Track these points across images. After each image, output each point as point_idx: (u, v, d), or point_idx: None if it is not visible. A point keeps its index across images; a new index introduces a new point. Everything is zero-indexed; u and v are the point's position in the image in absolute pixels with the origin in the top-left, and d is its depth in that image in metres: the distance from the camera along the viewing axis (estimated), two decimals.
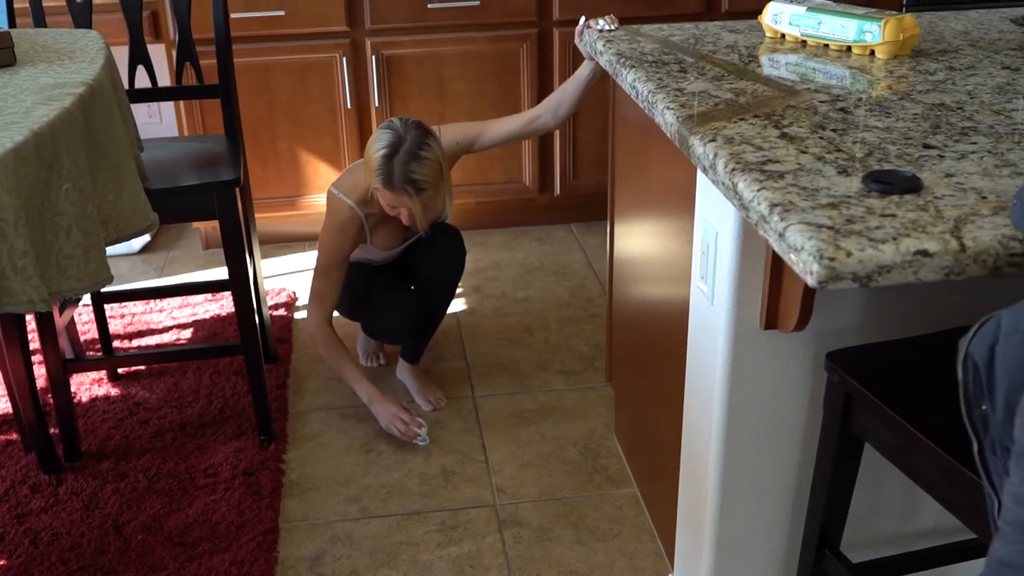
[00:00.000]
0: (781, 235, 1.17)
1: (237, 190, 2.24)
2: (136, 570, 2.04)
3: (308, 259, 3.46)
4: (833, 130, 1.46)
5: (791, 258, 1.15)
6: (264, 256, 3.49)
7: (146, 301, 3.08)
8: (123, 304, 3.09)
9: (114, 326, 3.00)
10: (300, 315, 3.10)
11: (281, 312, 3.08)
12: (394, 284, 2.57)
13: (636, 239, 2.11)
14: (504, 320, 3.05)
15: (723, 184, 1.35)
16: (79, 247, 1.64)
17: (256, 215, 3.39)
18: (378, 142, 2.23)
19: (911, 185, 1.24)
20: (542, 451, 2.43)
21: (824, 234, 1.13)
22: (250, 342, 2.35)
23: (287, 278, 3.35)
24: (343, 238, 2.41)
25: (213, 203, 2.21)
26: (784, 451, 1.65)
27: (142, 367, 2.76)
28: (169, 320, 3.04)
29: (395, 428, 2.43)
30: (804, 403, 1.62)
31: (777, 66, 1.82)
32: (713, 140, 1.43)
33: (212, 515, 2.19)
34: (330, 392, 2.69)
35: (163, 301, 3.13)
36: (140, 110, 3.79)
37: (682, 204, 1.75)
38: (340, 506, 2.26)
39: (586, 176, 3.55)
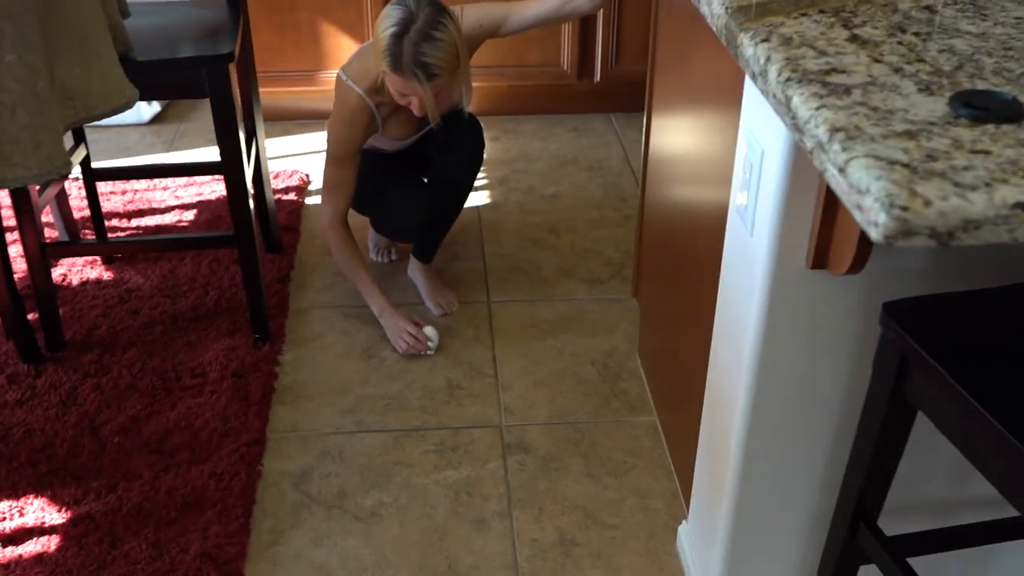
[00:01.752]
0: (842, 169, 0.92)
1: (231, 65, 2.00)
2: (108, 476, 1.90)
3: (324, 138, 3.23)
4: (915, 34, 1.19)
5: (852, 201, 0.91)
6: (278, 134, 3.27)
7: (149, 178, 2.87)
8: (126, 180, 2.90)
9: (113, 203, 2.81)
10: (311, 201, 2.89)
11: (291, 196, 2.87)
12: (405, 177, 2.35)
13: (675, 137, 1.85)
14: (529, 218, 2.81)
15: (774, 96, 1.10)
16: (26, 129, 1.43)
17: (271, 89, 3.15)
18: (387, 19, 1.97)
19: (1011, 111, 0.98)
20: (557, 368, 2.24)
21: (897, 173, 0.88)
22: (244, 235, 2.15)
23: (300, 159, 3.13)
24: (353, 129, 2.17)
25: (203, 78, 1.98)
26: (821, 408, 1.44)
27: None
28: (172, 199, 2.85)
29: (401, 342, 2.25)
30: (850, 356, 1.39)
31: None
32: (766, 40, 1.17)
33: (195, 420, 2.03)
34: (335, 289, 2.50)
35: (167, 179, 2.93)
36: None
37: (729, 104, 1.49)
38: (334, 417, 2.09)
39: (629, 62, 3.25)
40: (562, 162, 3.12)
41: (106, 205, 2.79)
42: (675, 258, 1.87)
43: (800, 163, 1.24)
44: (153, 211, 2.79)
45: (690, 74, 1.73)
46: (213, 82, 1.98)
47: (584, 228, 2.77)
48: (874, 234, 0.87)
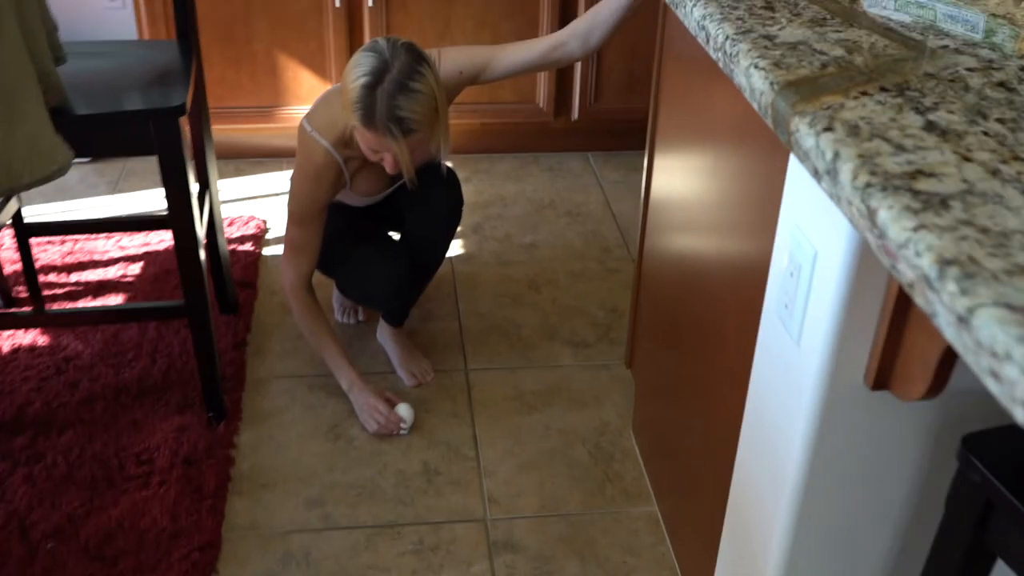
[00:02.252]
0: (963, 319, 0.73)
1: (181, 120, 1.77)
2: None
3: (284, 180, 3.00)
4: (999, 120, 1.01)
5: (982, 365, 0.72)
6: (232, 174, 3.03)
7: (90, 234, 2.62)
8: (63, 235, 2.65)
9: (50, 254, 2.56)
10: (269, 251, 2.66)
11: (247, 247, 2.64)
12: (376, 236, 2.13)
13: (682, 180, 1.65)
14: (506, 271, 2.61)
15: (850, 204, 0.91)
16: None
17: (224, 125, 2.92)
18: (358, 68, 1.76)
19: None
20: (544, 448, 2.03)
21: None
22: (196, 308, 1.92)
23: (257, 204, 2.89)
24: (318, 187, 1.96)
25: (150, 133, 1.75)
26: (874, 546, 1.25)
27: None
28: (116, 250, 2.60)
29: (372, 422, 2.03)
30: (912, 488, 1.21)
31: (887, 6, 1.35)
32: (829, 129, 0.98)
33: (141, 519, 1.79)
34: (297, 355, 2.27)
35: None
36: None
37: (749, 143, 1.31)
38: (298, 511, 1.87)
39: (609, 99, 3.07)
40: (539, 206, 2.93)
41: (42, 257, 2.54)
42: (680, 322, 1.67)
43: (865, 268, 1.05)
44: (95, 264, 2.54)
45: (701, 109, 1.54)
46: (162, 138, 1.75)
47: (566, 282, 2.57)
48: (1021, 416, 0.68)
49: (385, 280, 2.05)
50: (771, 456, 1.25)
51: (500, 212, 2.89)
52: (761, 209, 1.29)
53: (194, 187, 1.86)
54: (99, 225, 2.27)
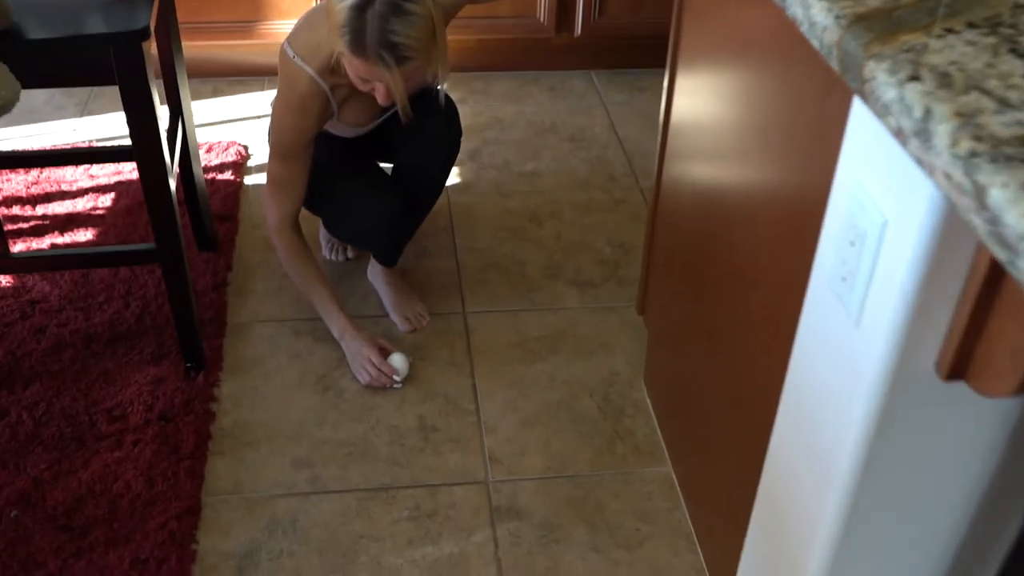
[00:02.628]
0: None
1: (145, 44, 1.58)
2: (3, 565, 1.52)
3: (266, 101, 2.79)
4: None
5: None
6: (209, 95, 2.82)
7: (55, 166, 2.43)
8: (27, 168, 2.45)
9: (14, 184, 2.37)
10: (252, 180, 2.48)
11: (227, 175, 2.45)
12: (366, 170, 1.95)
13: (709, 103, 1.46)
14: (506, 202, 2.44)
15: (946, 175, 0.74)
16: None
17: (198, 42, 2.71)
18: None
19: None
20: (550, 401, 1.89)
21: None
22: (168, 249, 1.75)
23: (237, 127, 2.69)
24: (303, 118, 1.77)
25: (110, 60, 1.56)
26: (935, 555, 1.11)
27: (43, 248, 2.17)
28: (86, 179, 2.41)
29: (364, 373, 1.88)
30: (985, 494, 1.06)
31: None
32: (915, 78, 0.81)
33: (113, 483, 1.65)
34: (282, 295, 2.11)
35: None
36: None
37: (794, 61, 1.13)
38: (284, 472, 1.73)
39: (614, 14, 2.85)
40: (540, 130, 2.73)
41: (5, 187, 2.36)
42: (703, 263, 1.51)
43: (948, 243, 0.89)
44: (63, 195, 2.36)
45: (735, 24, 1.35)
46: (123, 66, 1.56)
47: (570, 214, 2.40)
48: None
49: (375, 217, 1.88)
50: (817, 445, 1.10)
51: (498, 136, 2.70)
52: (809, 142, 1.11)
53: (163, 113, 1.68)
54: (65, 156, 2.08)
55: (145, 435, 1.74)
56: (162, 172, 1.67)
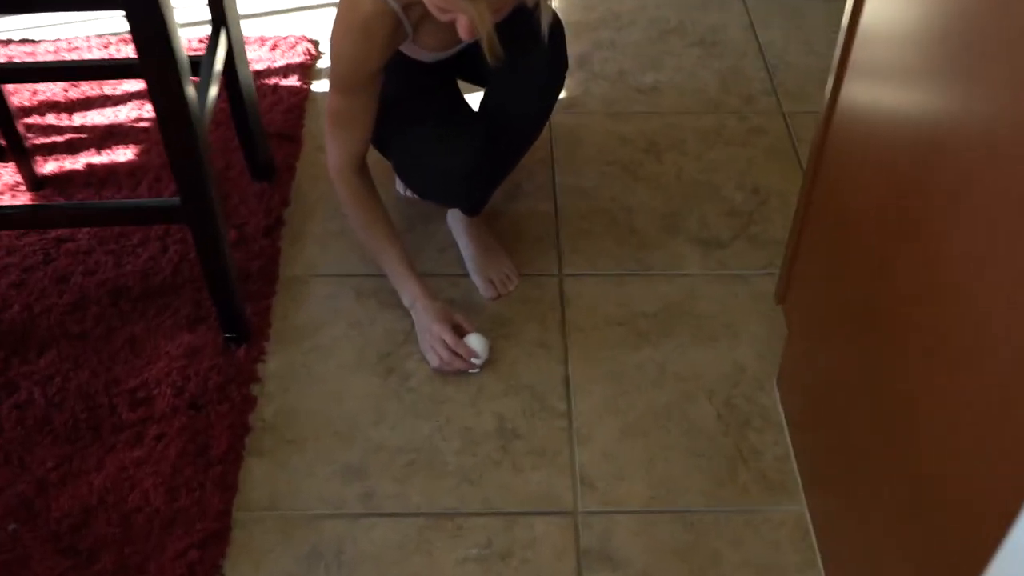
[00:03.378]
0: None
1: None
2: None
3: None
4: None
5: None
6: None
7: (67, 81, 2.10)
8: (33, 81, 2.13)
9: (51, 88, 2.06)
10: (321, 87, 2.12)
11: (291, 82, 2.09)
12: (446, 107, 1.57)
13: (936, 8, 1.04)
14: (618, 126, 2.02)
15: None
16: None
17: None
18: None
19: None
20: (658, 401, 1.54)
21: None
22: (197, 205, 1.42)
23: (304, 17, 2.31)
24: (367, 44, 1.39)
25: None
26: None
27: (74, 165, 1.87)
28: (132, 82, 2.08)
29: (434, 356, 1.55)
30: None
31: None
32: None
33: (128, 493, 1.39)
34: (344, 240, 1.78)
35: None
36: None
37: None
38: (333, 484, 1.43)
39: None
40: (663, 31, 2.28)
41: (40, 92, 2.05)
42: (885, 237, 1.10)
43: None
44: (105, 101, 2.04)
45: None
46: None
47: (694, 145, 1.98)
48: None
49: (453, 175, 1.51)
50: None
51: (612, 38, 2.25)
52: None
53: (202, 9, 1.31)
54: (82, 69, 1.74)
55: (171, 427, 1.46)
56: (180, 101, 1.31)
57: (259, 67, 2.11)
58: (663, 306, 1.68)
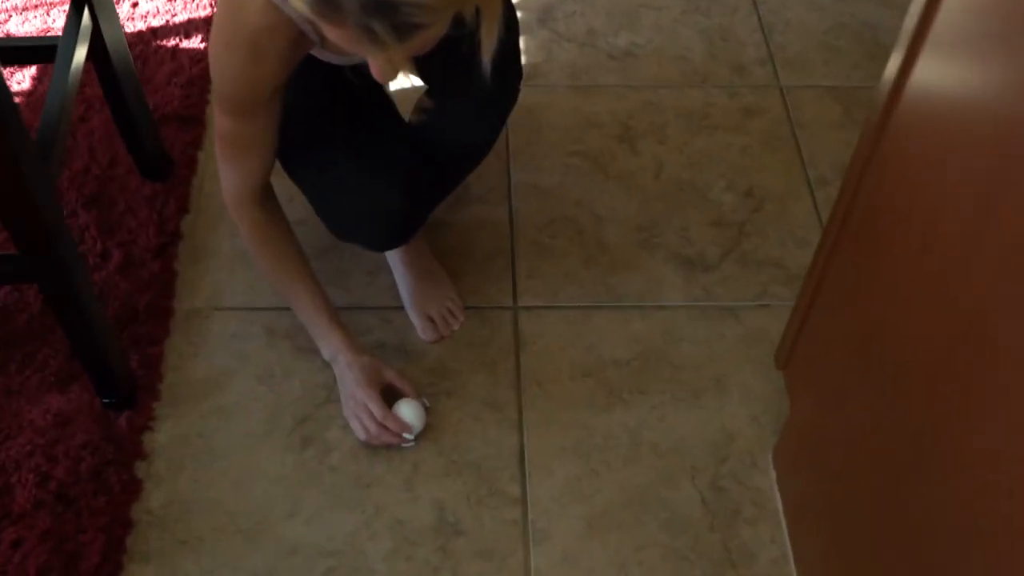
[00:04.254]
0: None
1: None
2: None
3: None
4: None
5: None
6: None
7: None
8: None
9: None
10: None
11: (192, 43, 1.73)
12: (373, 127, 1.24)
13: None
14: (587, 103, 1.71)
15: None
16: None
17: None
18: None
19: None
20: (631, 482, 1.28)
21: None
22: (45, 265, 1.11)
23: None
24: (258, 65, 1.06)
25: None
26: None
27: None
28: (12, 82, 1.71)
29: (359, 428, 1.27)
30: None
31: None
32: None
33: None
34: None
35: None
36: None
37: None
38: None
39: None
40: None
41: None
42: (964, 278, 0.83)
43: None
44: None
45: None
46: None
47: (676, 132, 1.67)
48: None
49: (379, 218, 1.21)
50: None
51: None
52: None
53: None
54: None
55: (33, 530, 1.18)
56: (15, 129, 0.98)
57: (155, 23, 1.75)
58: (638, 351, 1.40)
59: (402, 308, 1.42)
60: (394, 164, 1.20)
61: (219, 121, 1.16)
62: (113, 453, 1.25)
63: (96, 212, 1.48)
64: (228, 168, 1.20)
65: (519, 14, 1.77)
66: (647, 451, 1.31)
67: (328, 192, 1.23)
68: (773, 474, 1.29)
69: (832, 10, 1.86)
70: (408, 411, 1.27)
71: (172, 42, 1.72)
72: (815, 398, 1.17)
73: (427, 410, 1.30)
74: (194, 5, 1.78)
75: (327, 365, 1.34)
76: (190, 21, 1.76)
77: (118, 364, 1.26)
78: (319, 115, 1.22)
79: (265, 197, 1.24)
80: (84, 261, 1.15)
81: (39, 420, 1.27)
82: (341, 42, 0.86)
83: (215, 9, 1.06)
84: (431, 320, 1.40)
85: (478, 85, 1.05)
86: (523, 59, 1.37)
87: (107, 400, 1.28)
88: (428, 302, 1.40)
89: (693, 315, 1.44)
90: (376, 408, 1.26)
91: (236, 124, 1.14)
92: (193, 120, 1.62)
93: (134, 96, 1.45)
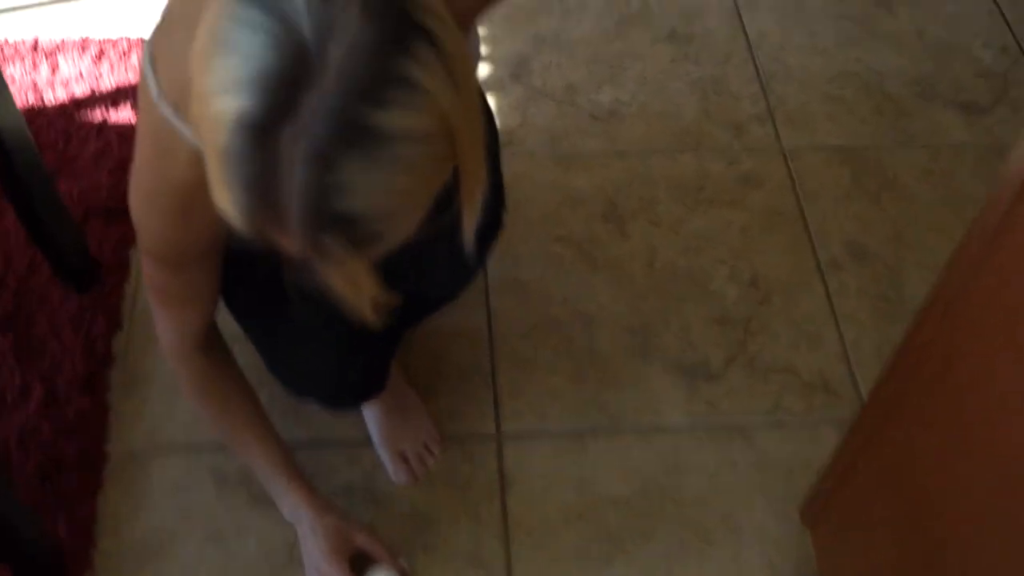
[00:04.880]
0: None
1: None
2: None
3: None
4: None
5: None
6: None
7: None
8: None
9: None
10: None
11: (122, 115, 1.53)
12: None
13: None
14: (569, 177, 1.53)
15: None
16: None
17: None
18: (229, 51, 0.60)
19: None
20: None
21: None
22: None
23: (128, 6, 1.72)
24: (187, 224, 0.88)
25: None
26: None
27: None
28: None
29: None
30: None
31: None
32: None
33: None
34: None
35: None
36: None
37: None
38: None
39: None
40: (622, 19, 1.75)
41: None
42: None
43: None
44: None
45: None
46: None
47: (670, 208, 1.50)
48: None
49: (330, 380, 1.03)
50: None
51: (558, 32, 1.71)
52: None
53: None
54: None
55: None
56: None
57: (78, 90, 1.54)
58: (638, 487, 1.24)
59: (370, 443, 1.25)
60: (346, 342, 1.02)
61: (146, 269, 0.97)
62: None
63: (12, 336, 1.28)
64: (161, 315, 1.01)
65: (487, 69, 1.60)
66: None
67: (277, 358, 1.05)
68: None
69: (836, 56, 1.69)
70: None
71: (98, 115, 1.51)
72: (845, 558, 1.02)
73: (406, 573, 1.13)
74: (122, 67, 1.57)
75: (282, 518, 1.17)
76: (118, 89, 1.55)
77: (37, 546, 1.08)
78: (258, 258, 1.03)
79: (209, 343, 1.05)
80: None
81: None
82: (287, 249, 0.68)
83: (137, 149, 0.86)
84: (404, 459, 1.23)
85: (456, 258, 0.87)
86: (496, 120, 1.19)
87: None
88: (400, 438, 1.23)
89: (698, 438, 1.28)
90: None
91: (166, 276, 0.95)
92: (123, 213, 1.41)
93: (41, 194, 1.24)
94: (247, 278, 1.02)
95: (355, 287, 0.71)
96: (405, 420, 1.24)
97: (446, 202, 0.68)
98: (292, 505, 1.12)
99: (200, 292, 0.98)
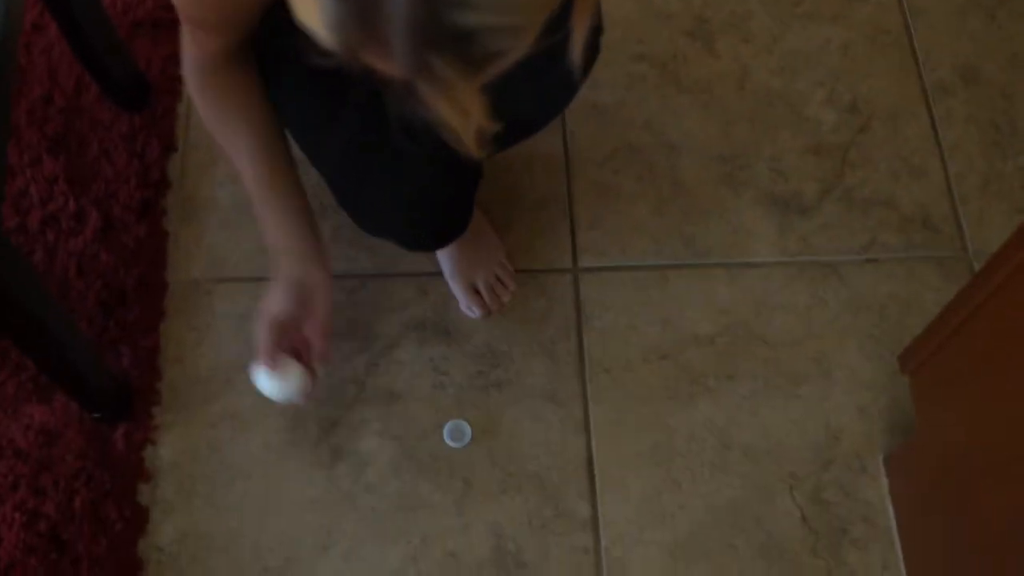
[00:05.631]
0: None
1: None
2: None
3: None
4: None
5: None
6: None
7: None
8: None
9: None
10: None
11: None
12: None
13: None
14: None
15: None
16: None
17: None
18: None
19: None
20: (721, 500, 1.09)
21: None
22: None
23: None
24: None
25: None
26: None
27: None
28: None
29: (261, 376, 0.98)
30: None
31: None
32: None
33: None
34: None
35: None
36: None
37: None
38: None
39: None
40: None
41: None
42: None
43: None
44: None
45: None
46: None
47: (763, 24, 1.37)
48: None
49: (415, 221, 0.95)
50: None
51: None
52: None
53: None
54: None
55: None
56: None
57: None
58: (724, 324, 1.18)
59: (440, 275, 1.19)
60: (427, 172, 0.93)
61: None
62: (111, 481, 1.06)
63: (64, 159, 1.22)
64: (185, 31, 0.92)
65: None
66: (737, 456, 1.11)
67: (351, 193, 0.96)
68: (885, 482, 1.10)
69: None
70: (265, 382, 0.96)
71: None
72: (949, 411, 0.96)
73: (302, 385, 0.98)
74: None
75: (354, 351, 1.13)
76: None
77: (98, 377, 1.05)
78: (324, 93, 0.93)
79: (233, 59, 0.93)
80: (32, 269, 0.91)
81: (20, 440, 1.07)
82: (387, 73, 0.58)
83: None
84: (476, 292, 1.17)
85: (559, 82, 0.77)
86: None
87: (96, 415, 1.08)
88: (473, 269, 1.17)
89: (789, 273, 1.21)
90: (264, 350, 0.95)
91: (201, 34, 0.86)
92: (172, 26, 1.32)
93: (82, 2, 1.14)
94: (333, 116, 0.92)
95: (463, 114, 0.62)
96: (477, 251, 1.17)
97: (558, 21, 0.59)
98: (271, 241, 0.96)
99: (235, 19, 0.88)
